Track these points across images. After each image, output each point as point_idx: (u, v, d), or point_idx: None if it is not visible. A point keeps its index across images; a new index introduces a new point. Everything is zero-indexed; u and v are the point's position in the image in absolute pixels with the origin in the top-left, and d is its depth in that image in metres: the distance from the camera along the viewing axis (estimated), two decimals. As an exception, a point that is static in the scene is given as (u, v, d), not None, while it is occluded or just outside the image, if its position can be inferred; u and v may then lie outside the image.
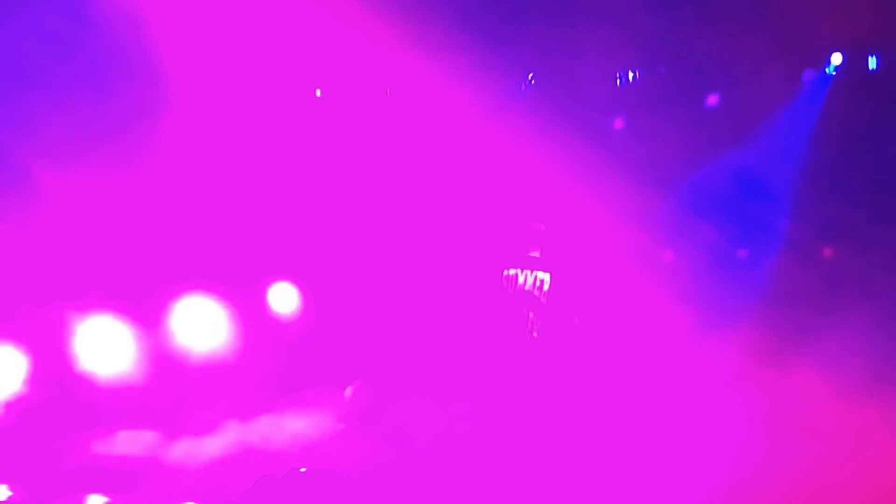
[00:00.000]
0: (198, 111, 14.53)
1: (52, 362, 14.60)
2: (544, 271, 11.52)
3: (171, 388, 14.70)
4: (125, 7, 14.06)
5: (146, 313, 14.74)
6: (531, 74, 15.41)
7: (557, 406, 12.53)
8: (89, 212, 14.42)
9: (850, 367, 13.69)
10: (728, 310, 14.73)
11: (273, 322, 15.27)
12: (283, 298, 15.31)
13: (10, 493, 12.62)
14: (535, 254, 11.85)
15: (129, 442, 14.17)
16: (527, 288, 11.54)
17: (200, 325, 14.94)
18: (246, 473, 12.39)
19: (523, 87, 15.46)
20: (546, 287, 11.47)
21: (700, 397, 13.51)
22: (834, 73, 15.26)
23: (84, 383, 14.48)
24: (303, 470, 10.36)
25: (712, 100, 15.08)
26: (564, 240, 14.74)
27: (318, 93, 15.39)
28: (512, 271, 11.62)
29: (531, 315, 11.65)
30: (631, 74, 15.44)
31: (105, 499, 12.65)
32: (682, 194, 15.28)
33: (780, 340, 14.30)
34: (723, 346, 14.28)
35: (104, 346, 14.61)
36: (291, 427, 14.41)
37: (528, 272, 11.56)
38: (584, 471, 11.88)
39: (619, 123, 15.21)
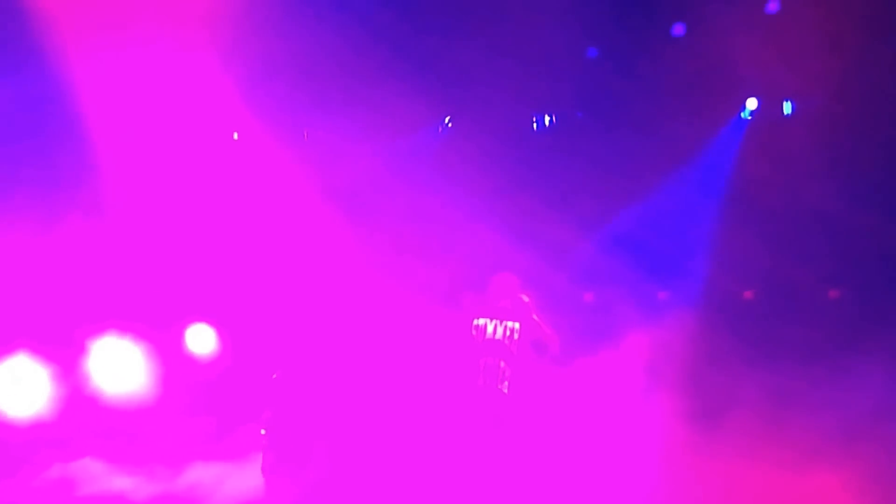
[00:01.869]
0: (118, 159, 14.68)
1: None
2: (514, 321, 11.53)
3: (87, 429, 14.66)
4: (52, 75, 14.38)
5: (63, 354, 14.70)
6: (448, 118, 15.56)
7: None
8: (6, 254, 14.50)
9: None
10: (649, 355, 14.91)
11: (190, 363, 15.27)
12: (201, 340, 15.31)
13: None
14: (505, 304, 11.88)
15: (43, 485, 14.13)
16: (497, 338, 11.56)
17: (118, 365, 14.90)
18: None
19: (440, 131, 15.62)
20: (517, 336, 11.51)
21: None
22: (749, 117, 15.51)
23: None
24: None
25: (630, 144, 15.17)
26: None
27: (236, 136, 15.50)
28: (481, 321, 11.62)
29: (502, 364, 11.70)
30: (547, 118, 15.62)
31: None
32: (602, 237, 15.43)
33: (702, 392, 14.51)
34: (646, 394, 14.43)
35: (21, 387, 14.61)
36: (211, 472, 14.38)
37: (498, 322, 11.58)
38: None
39: (536, 168, 15.25)
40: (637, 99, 15.06)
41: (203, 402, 14.98)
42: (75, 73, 14.08)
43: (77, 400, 14.70)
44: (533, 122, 15.68)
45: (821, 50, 14.02)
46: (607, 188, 15.10)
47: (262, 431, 13.78)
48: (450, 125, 15.51)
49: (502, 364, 11.60)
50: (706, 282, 15.41)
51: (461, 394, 12.02)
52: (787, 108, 15.39)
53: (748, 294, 15.62)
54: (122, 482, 14.23)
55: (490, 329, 11.72)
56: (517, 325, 11.67)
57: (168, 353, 15.09)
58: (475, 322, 11.70)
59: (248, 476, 13.84)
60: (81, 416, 14.66)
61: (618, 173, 15.05)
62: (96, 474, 14.31)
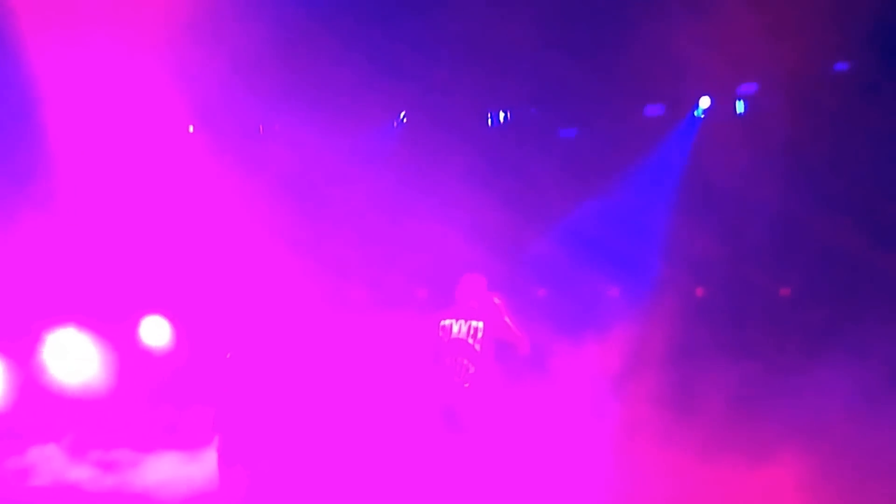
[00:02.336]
0: (72, 153, 14.74)
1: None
2: (478, 320, 11.77)
3: (43, 420, 14.73)
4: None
5: (19, 347, 14.79)
6: (403, 113, 15.65)
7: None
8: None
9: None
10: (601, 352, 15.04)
11: (145, 355, 15.35)
12: (156, 332, 15.39)
13: None
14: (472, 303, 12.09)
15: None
16: (462, 336, 11.83)
17: (73, 358, 14.99)
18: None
19: (395, 126, 15.72)
20: (480, 335, 11.75)
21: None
22: (702, 115, 15.63)
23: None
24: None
25: (584, 141, 15.27)
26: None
27: (191, 129, 15.56)
28: (447, 322, 11.87)
29: (465, 362, 11.94)
30: (502, 115, 15.72)
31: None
32: (555, 234, 15.54)
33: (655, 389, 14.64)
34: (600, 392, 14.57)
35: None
36: (166, 463, 14.45)
37: (464, 321, 11.82)
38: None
39: (490, 164, 15.35)
40: (591, 96, 15.18)
41: (158, 393, 15.07)
42: (28, 66, 14.13)
43: (33, 392, 14.84)
44: (487, 119, 15.82)
45: (774, 48, 14.17)
46: (561, 185, 15.20)
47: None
48: (405, 121, 15.61)
49: (465, 362, 11.71)
50: (658, 279, 15.57)
51: (417, 389, 12.26)
52: (740, 106, 15.56)
53: (699, 291, 15.78)
54: (78, 473, 14.32)
55: (455, 329, 11.85)
56: (481, 325, 11.80)
57: (123, 345, 15.20)
58: (441, 323, 11.83)
59: (201, 466, 13.99)
60: (37, 408, 14.79)
61: (571, 170, 15.16)
62: (53, 466, 14.42)
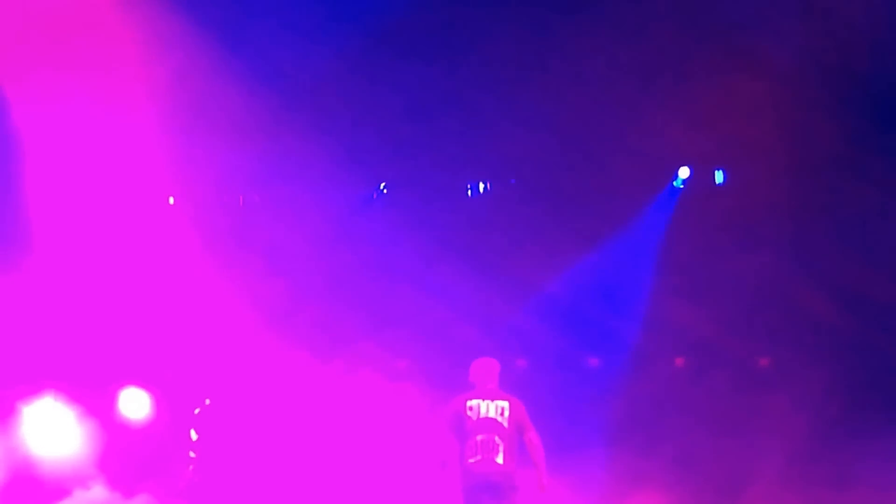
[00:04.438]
0: (53, 220, 14.77)
1: None
2: (503, 400, 12.19)
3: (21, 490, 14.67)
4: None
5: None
6: (383, 184, 15.71)
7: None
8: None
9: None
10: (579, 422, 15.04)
11: (123, 427, 15.28)
12: (134, 403, 15.34)
13: None
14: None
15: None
16: (491, 416, 12.19)
17: (50, 427, 14.92)
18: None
19: (375, 196, 15.78)
20: (507, 413, 12.20)
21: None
22: (682, 186, 15.72)
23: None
24: None
25: (564, 211, 15.32)
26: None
27: (171, 200, 15.60)
28: (473, 402, 12.13)
29: (496, 439, 12.23)
30: (482, 185, 15.79)
31: None
32: (534, 303, 15.57)
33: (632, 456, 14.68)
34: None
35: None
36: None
37: (490, 401, 12.16)
38: None
39: (470, 234, 15.41)
40: (571, 167, 15.27)
41: (137, 464, 15.01)
42: (12, 133, 14.22)
43: (11, 463, 14.80)
44: (467, 189, 15.91)
45: (752, 120, 14.31)
46: (540, 255, 15.22)
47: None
48: (385, 191, 15.68)
49: (497, 439, 12.14)
50: (637, 349, 15.62)
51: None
52: (719, 177, 15.67)
53: (679, 361, 15.81)
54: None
55: (483, 408, 12.21)
56: (507, 404, 12.24)
57: (102, 415, 15.14)
58: (468, 403, 12.17)
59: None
60: (15, 479, 14.74)
61: (551, 241, 15.18)
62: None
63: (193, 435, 14.05)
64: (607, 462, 14.81)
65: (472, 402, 12.34)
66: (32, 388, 14.83)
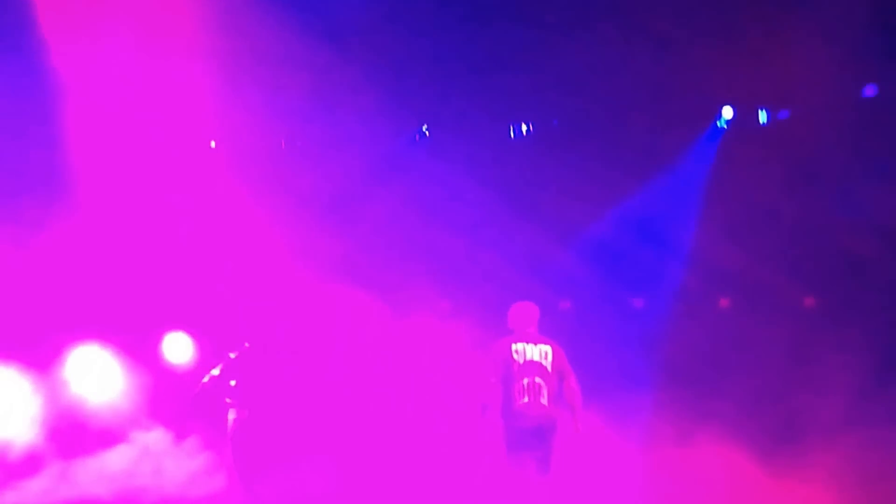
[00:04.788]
0: (95, 165, 14.71)
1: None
2: (545, 344, 12.41)
3: (65, 437, 14.69)
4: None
5: (40, 362, 14.75)
6: (425, 126, 15.62)
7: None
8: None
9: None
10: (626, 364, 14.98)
11: (167, 371, 15.29)
12: (178, 348, 15.33)
13: None
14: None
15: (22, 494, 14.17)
16: (536, 359, 12.40)
17: (94, 373, 14.95)
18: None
19: (417, 138, 15.70)
20: (550, 358, 12.39)
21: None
22: (725, 126, 15.60)
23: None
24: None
25: (607, 152, 15.20)
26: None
27: (213, 144, 15.56)
28: (519, 345, 12.37)
29: (539, 381, 12.35)
30: (525, 127, 15.69)
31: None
32: (579, 245, 15.50)
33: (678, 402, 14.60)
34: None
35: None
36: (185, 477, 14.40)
37: (533, 345, 12.40)
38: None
39: (514, 176, 15.32)
40: (615, 107, 15.14)
41: (180, 409, 15.01)
42: (51, 72, 14.13)
43: (55, 409, 14.82)
44: (510, 131, 15.82)
45: (795, 59, 14.17)
46: (584, 196, 15.12)
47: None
48: (427, 133, 15.58)
49: (541, 381, 12.34)
50: (682, 289, 15.55)
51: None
52: (763, 116, 15.56)
53: (724, 301, 15.73)
54: (98, 489, 14.29)
55: (529, 352, 12.43)
56: (549, 348, 12.50)
57: (145, 360, 15.16)
58: (514, 346, 12.38)
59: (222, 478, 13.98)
60: (60, 425, 14.76)
61: (595, 181, 15.07)
62: (75, 481, 14.39)
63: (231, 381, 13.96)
64: (653, 404, 14.77)
65: (518, 346, 12.48)
66: (78, 335, 14.91)
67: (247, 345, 13.72)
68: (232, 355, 13.75)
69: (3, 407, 14.60)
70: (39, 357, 14.75)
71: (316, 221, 14.97)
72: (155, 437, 14.66)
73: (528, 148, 15.64)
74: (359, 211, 15.19)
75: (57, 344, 14.84)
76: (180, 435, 14.45)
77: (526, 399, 12.34)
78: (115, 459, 14.45)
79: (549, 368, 12.42)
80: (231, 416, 13.64)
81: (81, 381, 14.87)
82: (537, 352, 12.51)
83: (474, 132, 15.37)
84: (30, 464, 14.40)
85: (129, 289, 14.82)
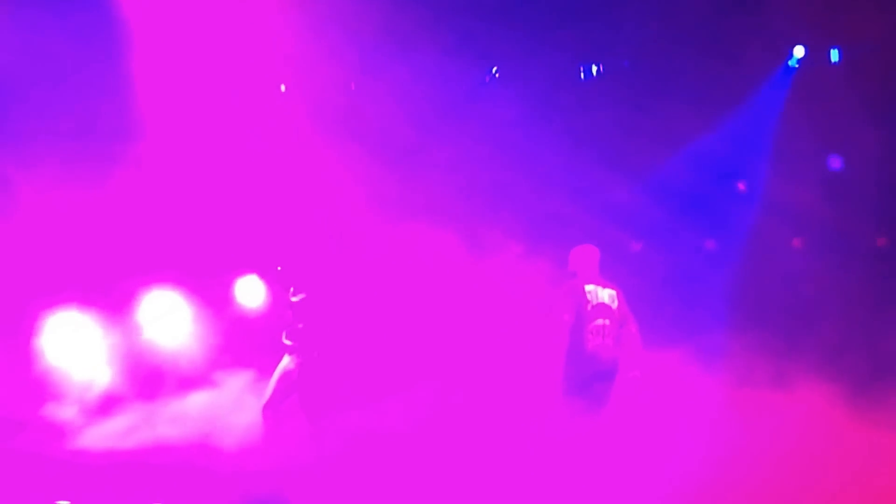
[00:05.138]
0: (167, 111, 14.68)
1: (22, 358, 14.74)
2: (611, 288, 12.52)
3: (139, 382, 14.77)
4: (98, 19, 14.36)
5: (113, 307, 14.79)
6: (495, 68, 15.52)
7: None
8: (58, 209, 14.55)
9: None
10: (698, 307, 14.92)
11: (239, 316, 15.34)
12: (250, 292, 15.36)
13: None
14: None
15: (97, 436, 14.26)
16: (605, 301, 12.49)
17: (167, 317, 15.00)
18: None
19: (487, 80, 15.60)
20: (616, 301, 12.51)
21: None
22: (797, 65, 15.45)
23: (53, 377, 14.59)
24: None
25: (678, 93, 15.09)
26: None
27: (283, 88, 15.50)
28: (590, 287, 12.43)
29: (608, 322, 12.45)
30: (595, 68, 15.59)
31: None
32: (649, 186, 15.42)
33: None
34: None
35: (72, 341, 14.73)
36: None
37: (601, 288, 12.49)
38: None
39: (583, 118, 15.23)
40: (685, 48, 15.02)
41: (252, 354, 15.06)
42: (122, 16, 14.15)
43: (130, 353, 14.90)
44: (580, 72, 15.70)
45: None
46: (655, 137, 15.05)
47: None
48: (497, 75, 15.49)
49: (609, 323, 12.43)
50: (753, 230, 15.45)
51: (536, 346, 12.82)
52: (835, 55, 15.40)
53: (796, 242, 15.63)
54: (166, 431, 14.38)
55: (599, 294, 12.48)
56: (615, 292, 12.57)
57: (218, 304, 15.20)
58: (586, 288, 12.41)
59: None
60: (134, 369, 14.85)
61: (665, 122, 14.98)
62: (151, 425, 14.50)
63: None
64: (726, 347, 14.63)
65: (589, 287, 12.47)
66: (151, 278, 14.97)
67: (302, 293, 13.58)
68: (295, 298, 13.70)
69: (80, 350, 14.79)
70: (113, 301, 14.80)
71: (386, 164, 14.97)
72: (229, 382, 14.76)
73: (599, 89, 15.60)
74: (429, 153, 15.14)
75: (130, 288, 14.87)
76: (255, 381, 14.47)
77: (597, 342, 12.41)
78: (191, 403, 14.54)
79: (616, 312, 12.47)
80: (296, 359, 13.57)
81: (155, 325, 14.95)
82: (606, 295, 12.51)
83: (544, 73, 15.30)
84: (107, 406, 14.55)
85: (202, 232, 14.86)
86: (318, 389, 13.47)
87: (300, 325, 13.40)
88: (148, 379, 14.77)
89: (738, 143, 15.41)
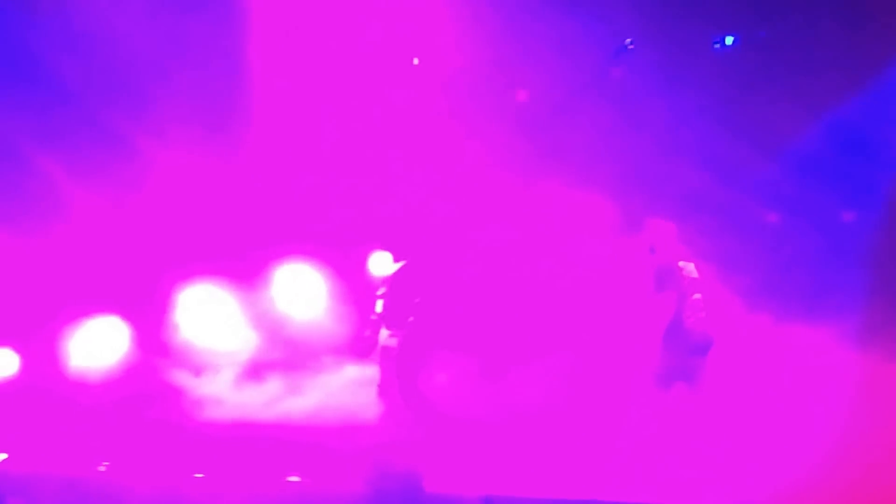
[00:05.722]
0: (299, 82, 14.83)
1: (156, 331, 14.96)
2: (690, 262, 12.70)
3: (274, 355, 14.91)
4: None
5: (247, 278, 14.97)
6: (629, 39, 15.38)
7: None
8: (192, 181, 14.72)
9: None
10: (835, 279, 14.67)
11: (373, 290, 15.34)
12: (383, 265, 15.37)
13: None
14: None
15: (234, 408, 14.43)
16: (695, 276, 12.64)
17: (301, 290, 15.10)
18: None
19: (621, 51, 15.43)
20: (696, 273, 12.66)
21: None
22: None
23: (188, 349, 14.83)
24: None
25: (815, 62, 14.80)
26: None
27: (416, 61, 15.48)
28: (683, 263, 12.62)
29: (700, 296, 12.56)
30: (729, 38, 15.35)
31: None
32: (785, 157, 15.18)
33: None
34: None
35: (207, 313, 14.94)
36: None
37: (691, 264, 12.67)
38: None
39: (718, 89, 14.96)
40: (822, 17, 14.77)
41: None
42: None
43: (262, 326, 15.04)
44: (714, 43, 15.49)
45: None
46: (790, 107, 14.76)
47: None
48: (630, 47, 15.34)
49: (701, 296, 12.57)
50: (893, 201, 15.14)
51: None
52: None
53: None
54: (301, 404, 14.48)
55: (691, 269, 12.65)
56: (693, 265, 12.67)
57: (350, 277, 15.27)
58: (681, 263, 12.58)
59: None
60: (267, 342, 14.98)
61: (801, 92, 14.69)
62: (281, 396, 14.63)
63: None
64: (865, 323, 14.40)
65: (683, 263, 12.62)
66: (285, 250, 15.03)
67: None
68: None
69: (215, 322, 14.96)
70: (247, 272, 15.00)
71: (519, 136, 14.92)
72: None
73: (734, 60, 15.36)
74: (561, 126, 15.04)
75: (263, 259, 15.02)
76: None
77: (697, 315, 12.39)
78: (325, 376, 14.64)
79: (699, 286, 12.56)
80: (393, 335, 13.41)
81: (289, 298, 15.10)
82: (693, 269, 12.63)
83: (678, 44, 15.09)
84: (244, 378, 14.72)
85: (334, 203, 14.91)
86: (419, 362, 13.37)
87: (416, 299, 13.29)
88: (283, 351, 14.94)
89: (879, 113, 15.06)
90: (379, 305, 13.38)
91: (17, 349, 14.61)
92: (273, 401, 14.35)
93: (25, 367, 14.60)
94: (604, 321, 13.88)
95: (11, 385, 14.48)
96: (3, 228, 14.42)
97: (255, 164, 14.77)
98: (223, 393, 14.53)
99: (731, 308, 13.62)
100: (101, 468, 12.63)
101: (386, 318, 13.28)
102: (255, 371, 14.70)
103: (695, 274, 12.59)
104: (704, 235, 13.80)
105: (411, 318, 13.23)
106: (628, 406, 12.67)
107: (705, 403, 12.63)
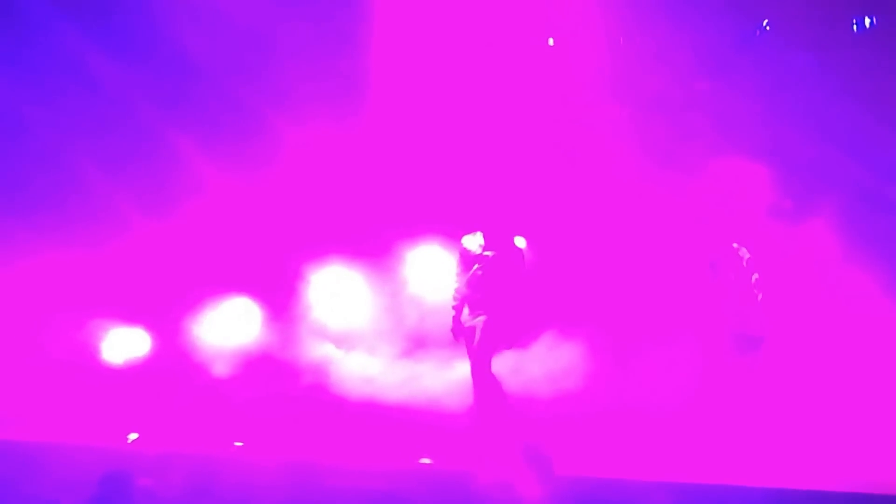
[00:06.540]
0: (432, 61, 14.86)
1: (286, 311, 15.01)
2: None
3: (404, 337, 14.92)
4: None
5: (379, 261, 14.98)
6: (766, 21, 15.25)
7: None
8: (324, 163, 14.75)
9: None
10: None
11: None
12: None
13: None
14: None
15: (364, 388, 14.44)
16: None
17: (431, 272, 15.05)
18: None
19: (758, 34, 15.32)
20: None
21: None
22: None
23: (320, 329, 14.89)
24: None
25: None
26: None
27: (551, 42, 15.38)
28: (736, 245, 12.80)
29: (758, 277, 12.65)
30: (868, 20, 15.20)
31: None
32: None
33: None
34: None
35: (338, 294, 14.97)
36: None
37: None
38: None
39: (857, 71, 14.76)
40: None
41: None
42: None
43: (394, 308, 15.04)
44: (853, 24, 15.33)
45: None
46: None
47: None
48: (767, 28, 15.20)
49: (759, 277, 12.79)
50: None
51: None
52: None
53: None
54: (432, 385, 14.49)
55: (744, 251, 12.83)
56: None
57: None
58: (733, 244, 12.83)
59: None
60: (397, 324, 14.98)
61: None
62: (410, 378, 14.63)
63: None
64: None
65: (735, 245, 12.74)
66: (413, 232, 14.97)
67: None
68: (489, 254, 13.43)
69: (346, 303, 15.01)
70: (378, 254, 15.00)
71: (650, 120, 14.83)
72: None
73: (872, 41, 15.16)
74: (695, 108, 14.92)
75: (394, 241, 14.97)
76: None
77: (756, 295, 12.47)
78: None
79: None
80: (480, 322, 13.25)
81: (420, 280, 15.06)
82: (746, 252, 12.79)
83: (816, 25, 14.94)
84: (376, 357, 14.74)
85: (463, 186, 14.83)
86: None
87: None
88: (412, 334, 14.93)
89: None
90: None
91: (149, 329, 14.75)
92: (406, 381, 14.36)
93: (157, 347, 14.73)
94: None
95: (143, 365, 14.62)
96: (138, 208, 14.53)
97: (390, 147, 14.78)
98: (353, 372, 14.57)
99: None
100: (236, 445, 12.75)
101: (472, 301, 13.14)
102: (385, 351, 14.73)
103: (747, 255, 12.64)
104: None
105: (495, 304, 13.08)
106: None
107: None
